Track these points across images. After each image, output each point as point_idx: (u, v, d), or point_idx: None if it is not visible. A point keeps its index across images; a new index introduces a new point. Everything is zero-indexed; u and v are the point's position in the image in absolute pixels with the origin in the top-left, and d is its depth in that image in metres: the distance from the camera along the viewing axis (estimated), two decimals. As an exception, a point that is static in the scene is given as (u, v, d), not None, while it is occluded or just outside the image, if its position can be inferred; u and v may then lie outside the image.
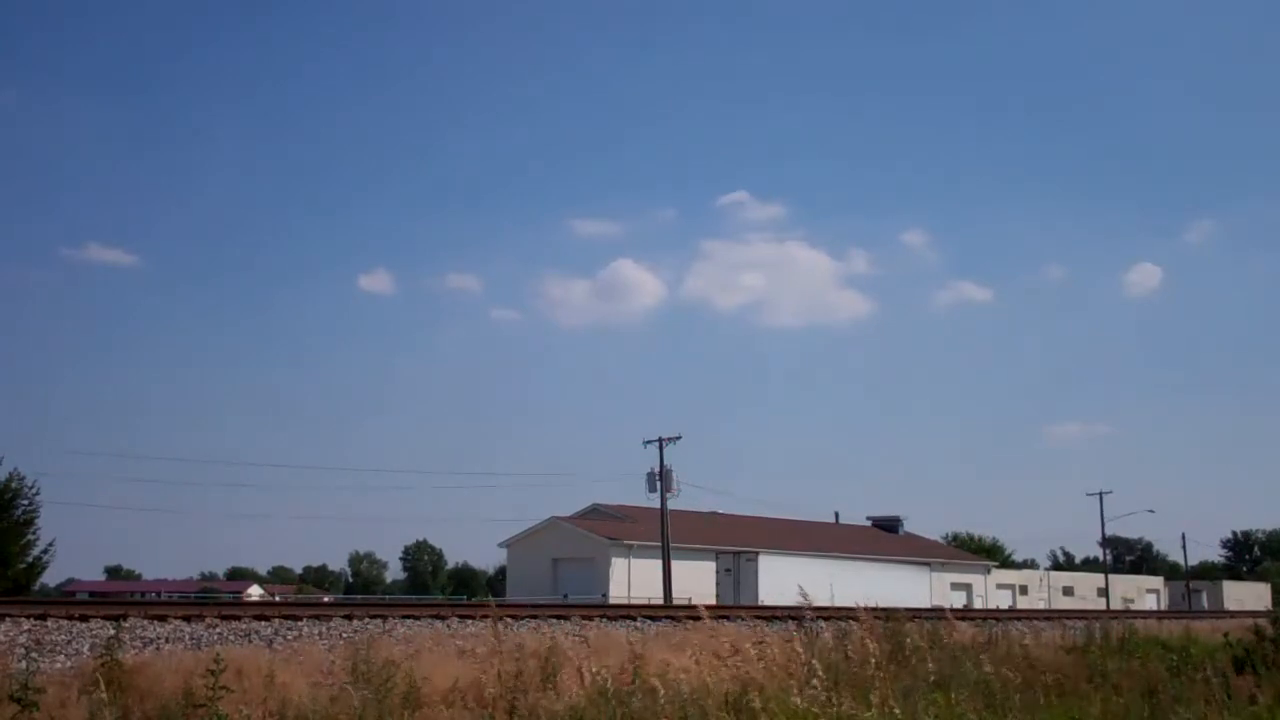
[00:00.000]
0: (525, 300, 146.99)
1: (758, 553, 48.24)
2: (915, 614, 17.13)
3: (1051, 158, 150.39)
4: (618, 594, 52.27)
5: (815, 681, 9.36)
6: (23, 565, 45.21)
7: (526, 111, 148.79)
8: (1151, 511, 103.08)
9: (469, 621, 12.69)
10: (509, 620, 13.23)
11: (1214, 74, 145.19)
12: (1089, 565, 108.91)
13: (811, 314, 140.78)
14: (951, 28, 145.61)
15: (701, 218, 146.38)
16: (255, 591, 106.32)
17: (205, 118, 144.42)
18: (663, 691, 8.95)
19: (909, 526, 76.15)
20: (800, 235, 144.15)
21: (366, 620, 12.31)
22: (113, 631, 9.43)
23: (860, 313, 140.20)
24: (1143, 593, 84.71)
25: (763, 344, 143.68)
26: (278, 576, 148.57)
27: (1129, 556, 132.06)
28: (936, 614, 18.93)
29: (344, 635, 11.24)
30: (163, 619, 11.28)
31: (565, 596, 50.15)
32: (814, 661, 10.25)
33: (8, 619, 10.55)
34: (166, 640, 10.32)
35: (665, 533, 48.92)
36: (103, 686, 8.24)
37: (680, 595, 44.88)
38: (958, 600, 63.19)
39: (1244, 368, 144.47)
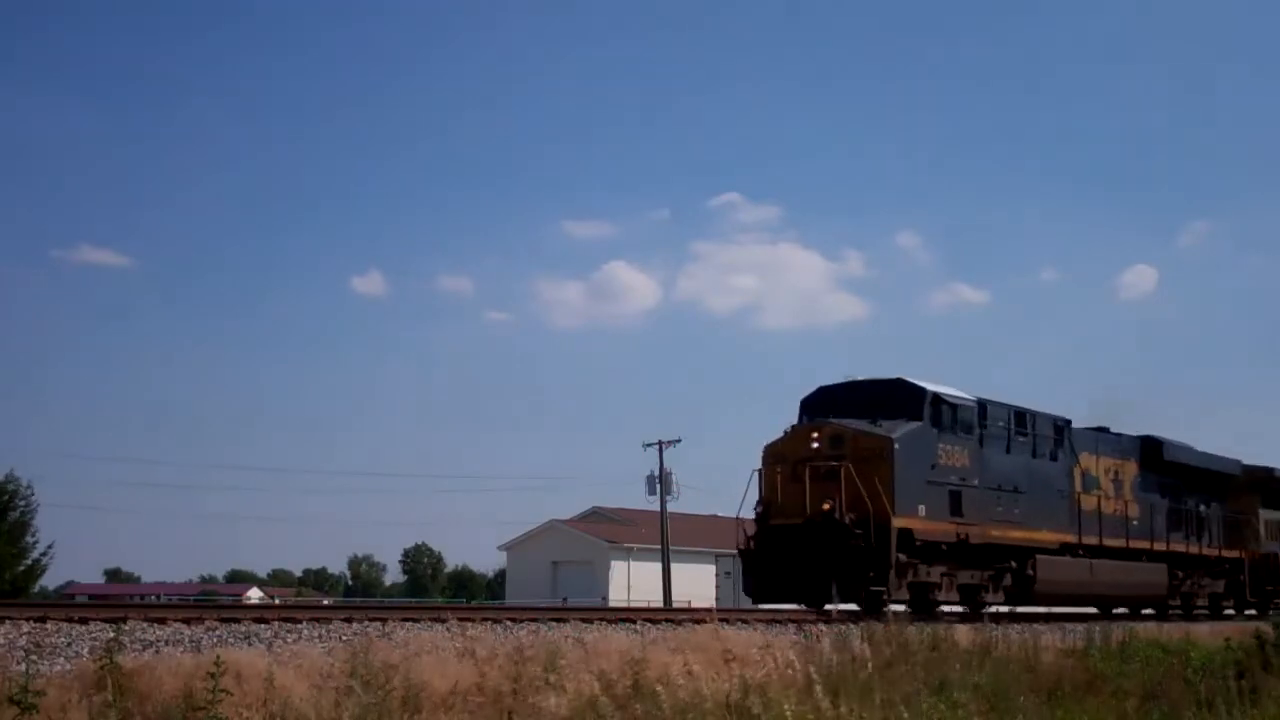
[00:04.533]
0: (519, 303, 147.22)
1: (757, 556, 48.22)
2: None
3: (1046, 159, 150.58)
4: (617, 597, 52.27)
5: (817, 688, 9.34)
6: (22, 568, 45.20)
7: (519, 113, 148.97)
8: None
9: (469, 624, 12.66)
10: (508, 623, 13.20)
11: (1210, 75, 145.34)
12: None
13: (807, 316, 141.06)
14: (946, 29, 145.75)
15: (694, 219, 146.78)
16: (255, 594, 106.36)
17: (197, 119, 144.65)
18: (665, 694, 8.94)
19: (908, 529, 75.98)
20: (793, 237, 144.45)
21: (366, 623, 12.28)
22: (112, 634, 9.40)
23: (856, 315, 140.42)
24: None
25: (759, 346, 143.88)
26: (277, 579, 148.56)
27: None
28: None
29: (344, 638, 11.20)
30: (162, 622, 11.24)
31: (565, 599, 50.13)
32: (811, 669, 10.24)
33: (7, 621, 10.51)
34: (166, 643, 10.28)
35: (665, 535, 48.91)
36: (103, 689, 8.22)
37: (680, 598, 44.86)
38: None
39: (1241, 369, 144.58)
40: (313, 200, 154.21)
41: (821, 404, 20.42)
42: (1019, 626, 18.64)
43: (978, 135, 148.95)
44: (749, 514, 19.58)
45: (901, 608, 17.66)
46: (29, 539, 45.84)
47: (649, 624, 14.60)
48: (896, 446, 18.40)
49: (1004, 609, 21.01)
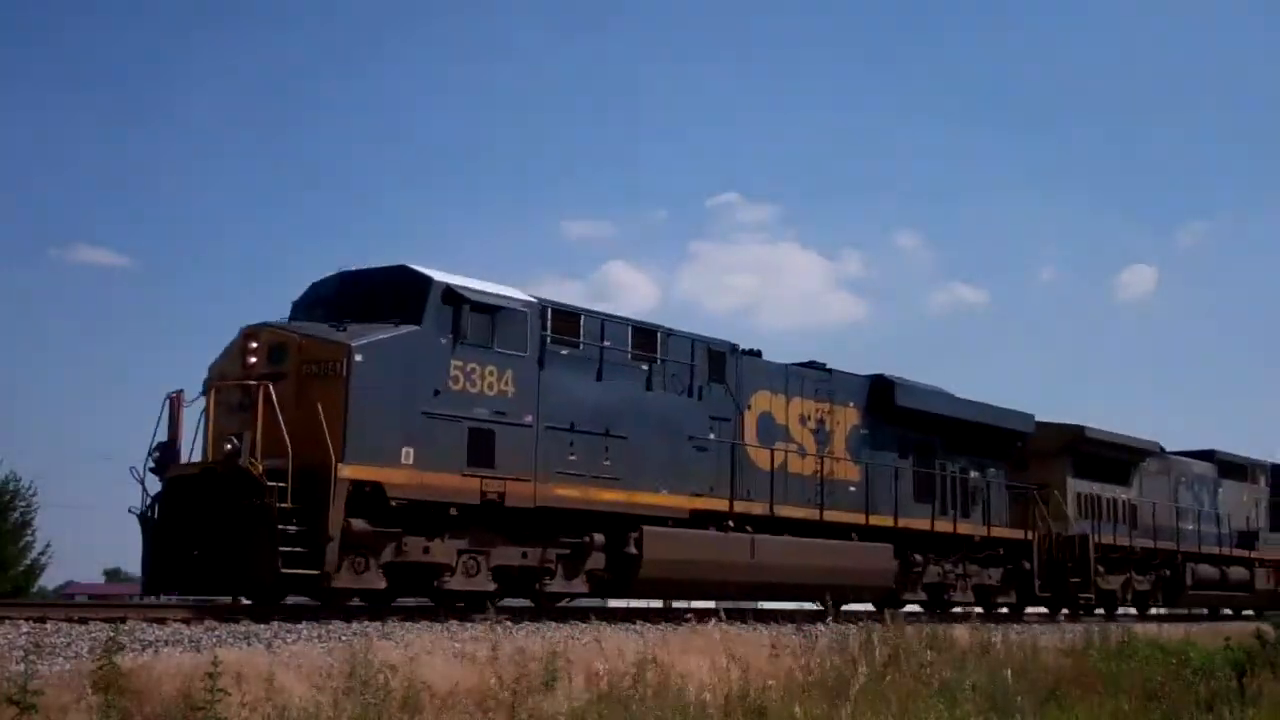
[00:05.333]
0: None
1: (756, 556, 48.13)
2: (914, 617, 17.13)
3: (1045, 158, 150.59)
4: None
5: (824, 688, 9.36)
6: (21, 568, 45.17)
7: (517, 112, 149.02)
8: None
9: (469, 625, 12.68)
10: (509, 623, 13.21)
11: (1210, 73, 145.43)
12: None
13: (806, 316, 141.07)
14: (945, 28, 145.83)
15: (693, 219, 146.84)
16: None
17: (195, 117, 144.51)
18: (688, 689, 8.95)
19: (907, 530, 75.81)
20: (792, 236, 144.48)
21: (366, 623, 12.30)
22: (111, 634, 9.41)
23: (855, 315, 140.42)
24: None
25: (758, 346, 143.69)
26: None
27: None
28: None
29: (343, 638, 11.21)
30: (162, 622, 11.26)
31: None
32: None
33: (6, 621, 10.53)
34: (165, 643, 10.28)
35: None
36: (102, 689, 8.23)
37: (679, 598, 44.82)
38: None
39: (1240, 369, 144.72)
40: (312, 200, 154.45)
41: (311, 306, 14.39)
42: (1017, 626, 18.61)
43: (976, 135, 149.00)
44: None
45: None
46: (28, 538, 45.81)
47: (648, 624, 14.62)
48: (358, 358, 12.73)
49: (590, 602, 16.07)
